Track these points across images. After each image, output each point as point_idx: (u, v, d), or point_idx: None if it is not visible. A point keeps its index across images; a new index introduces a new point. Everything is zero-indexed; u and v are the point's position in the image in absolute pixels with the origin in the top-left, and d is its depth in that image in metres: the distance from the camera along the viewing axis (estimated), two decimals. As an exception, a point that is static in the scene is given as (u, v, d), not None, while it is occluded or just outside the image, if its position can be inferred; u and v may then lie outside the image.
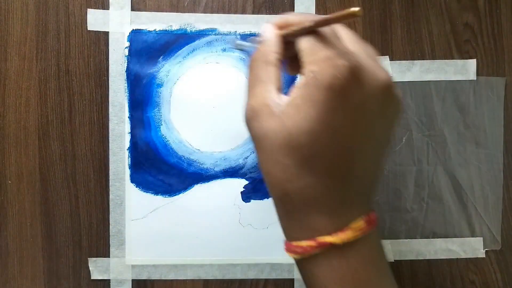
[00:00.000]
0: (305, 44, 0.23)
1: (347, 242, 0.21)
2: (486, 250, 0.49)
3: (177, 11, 0.47)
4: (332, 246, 0.21)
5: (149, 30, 0.46)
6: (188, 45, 0.47)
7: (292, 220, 0.23)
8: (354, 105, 0.20)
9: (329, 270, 0.22)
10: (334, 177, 0.21)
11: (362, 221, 0.22)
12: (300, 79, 0.22)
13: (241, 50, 0.45)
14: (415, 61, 0.48)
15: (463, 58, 0.48)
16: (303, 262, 0.23)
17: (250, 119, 0.23)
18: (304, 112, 0.21)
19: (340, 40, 0.23)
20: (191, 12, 0.47)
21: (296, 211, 0.23)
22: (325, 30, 0.22)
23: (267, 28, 0.26)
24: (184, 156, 0.47)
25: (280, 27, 0.26)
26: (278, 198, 0.23)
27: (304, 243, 0.22)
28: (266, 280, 0.48)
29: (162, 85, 0.47)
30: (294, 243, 0.23)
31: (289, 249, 0.24)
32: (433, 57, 0.48)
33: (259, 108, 0.23)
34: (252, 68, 0.25)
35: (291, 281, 0.48)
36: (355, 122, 0.21)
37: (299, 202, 0.22)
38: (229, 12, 0.47)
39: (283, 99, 0.22)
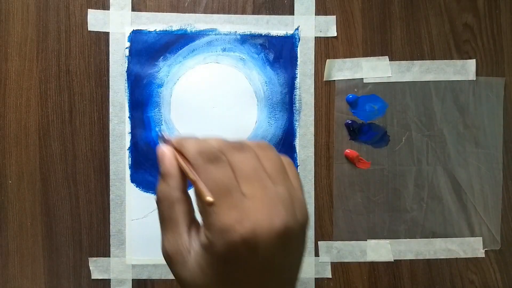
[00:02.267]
0: (199, 204, 0.23)
1: None
2: (485, 250, 0.49)
3: (177, 12, 0.47)
4: None
5: (149, 31, 0.46)
6: (188, 45, 0.47)
7: None
8: (253, 267, 0.21)
9: None
10: None
11: None
12: (201, 237, 0.22)
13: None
14: (415, 62, 0.48)
15: (462, 59, 0.48)
16: None
17: (168, 263, 0.24)
18: (208, 276, 0.22)
19: (235, 179, 0.22)
20: (191, 12, 0.47)
21: None
22: (219, 175, 0.22)
23: (166, 158, 0.25)
24: (184, 156, 0.47)
25: (178, 149, 0.25)
26: None
27: None
28: (266, 280, 0.48)
29: (162, 85, 0.47)
30: None
31: None
32: (433, 57, 0.48)
33: (173, 255, 0.23)
34: (159, 208, 0.25)
35: (291, 280, 0.48)
36: (259, 277, 0.22)
37: None
38: (229, 12, 0.47)
39: (192, 243, 0.23)
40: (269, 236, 0.21)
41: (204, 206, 0.22)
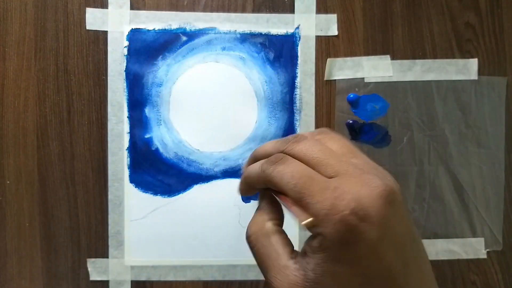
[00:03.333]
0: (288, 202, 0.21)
1: None
2: (487, 251, 0.48)
3: (177, 10, 0.46)
4: None
5: (148, 29, 0.46)
6: (188, 44, 0.46)
7: None
8: (374, 241, 0.19)
9: None
10: None
11: None
12: (312, 244, 0.20)
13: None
14: (416, 61, 0.47)
15: (464, 58, 0.48)
16: None
17: None
18: (339, 276, 0.20)
19: (312, 167, 0.21)
20: (191, 11, 0.47)
21: None
22: (293, 166, 0.21)
23: (260, 193, 0.25)
24: (183, 156, 0.47)
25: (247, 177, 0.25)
26: None
27: None
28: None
29: (161, 84, 0.46)
30: None
31: None
32: (435, 56, 0.48)
33: None
34: (253, 246, 0.23)
35: (291, 282, 0.48)
36: (388, 249, 0.20)
37: None
38: (228, 11, 0.47)
39: (305, 266, 0.21)
40: (375, 201, 0.19)
41: (299, 206, 0.20)
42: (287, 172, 0.21)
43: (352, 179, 0.20)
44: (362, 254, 0.19)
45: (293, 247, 0.23)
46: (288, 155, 0.22)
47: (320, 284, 0.20)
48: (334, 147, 0.22)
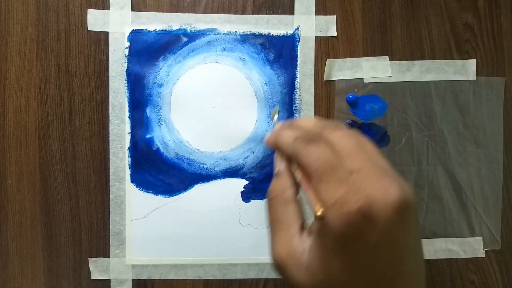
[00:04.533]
0: (304, 182, 0.22)
1: None
2: (486, 250, 0.49)
3: (177, 11, 0.47)
4: None
5: (149, 30, 0.46)
6: (188, 45, 0.47)
7: None
8: (374, 242, 0.20)
9: None
10: None
11: None
12: (313, 226, 0.21)
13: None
14: (415, 61, 0.48)
15: (463, 58, 0.48)
16: None
17: (279, 269, 0.23)
18: (329, 264, 0.20)
19: (338, 156, 0.21)
20: (191, 12, 0.47)
21: None
22: (321, 153, 0.21)
23: (278, 158, 0.25)
24: (184, 156, 0.47)
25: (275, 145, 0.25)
26: None
27: None
28: (266, 280, 0.48)
29: (162, 85, 0.47)
30: None
31: None
32: (433, 57, 0.48)
33: (286, 259, 0.22)
34: (270, 208, 0.24)
35: (291, 281, 0.48)
36: (381, 256, 0.20)
37: None
38: (229, 12, 0.47)
39: (305, 244, 0.22)
40: (385, 207, 0.19)
41: (314, 189, 0.21)
42: (315, 155, 0.21)
43: (372, 179, 0.20)
44: (356, 253, 0.20)
45: (304, 221, 0.23)
46: (324, 137, 0.22)
47: (311, 265, 0.21)
48: (367, 146, 0.23)
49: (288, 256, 0.22)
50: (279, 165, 0.25)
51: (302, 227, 0.23)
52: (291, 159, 0.24)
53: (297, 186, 0.24)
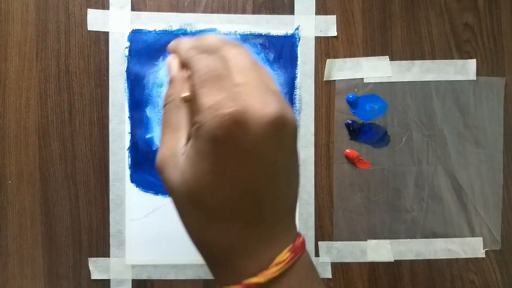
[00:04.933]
0: (191, 84, 0.22)
1: (274, 278, 0.21)
2: (486, 250, 0.49)
3: (177, 11, 0.47)
4: (258, 286, 0.21)
5: (149, 30, 0.46)
6: (188, 45, 0.47)
7: (218, 267, 0.24)
8: (244, 150, 0.20)
9: None
10: (245, 220, 0.21)
11: (288, 252, 0.22)
12: (192, 129, 0.22)
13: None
14: (415, 61, 0.48)
15: (463, 58, 0.48)
16: None
17: (160, 169, 0.23)
18: (198, 165, 0.21)
19: (228, 69, 0.21)
20: (191, 12, 0.47)
21: (218, 258, 0.23)
22: (211, 62, 0.22)
23: (172, 64, 0.26)
24: (184, 156, 0.47)
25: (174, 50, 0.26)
26: (198, 248, 0.24)
27: None
28: (266, 280, 0.48)
29: (162, 85, 0.47)
30: None
31: None
32: (433, 57, 0.48)
33: (167, 159, 0.22)
34: (164, 111, 0.24)
35: (291, 281, 0.48)
36: (250, 165, 0.20)
37: (217, 250, 0.22)
38: (229, 12, 0.47)
39: (187, 147, 0.22)
40: (261, 120, 0.20)
41: (194, 92, 0.21)
42: (204, 62, 0.22)
43: (255, 93, 0.20)
44: (224, 156, 0.20)
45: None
46: (221, 52, 0.22)
47: (184, 165, 0.21)
48: (261, 69, 0.23)
49: (170, 157, 0.22)
50: (172, 71, 0.25)
51: (190, 132, 0.23)
52: (184, 65, 0.25)
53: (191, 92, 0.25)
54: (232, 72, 0.21)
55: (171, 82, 0.25)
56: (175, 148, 0.22)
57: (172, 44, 0.27)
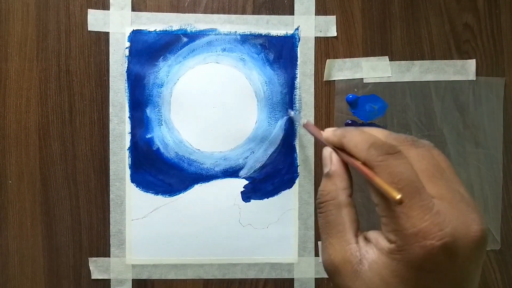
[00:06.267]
0: (381, 204, 0.21)
1: None
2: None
3: (177, 12, 0.47)
4: None
5: (149, 31, 0.46)
6: (188, 45, 0.47)
7: None
8: (448, 277, 0.19)
9: None
10: None
11: None
12: (381, 243, 0.20)
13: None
14: (415, 62, 0.48)
15: (462, 59, 0.48)
16: None
17: (332, 275, 0.22)
18: (391, 285, 0.20)
19: (417, 176, 0.20)
20: (191, 12, 0.47)
21: None
22: (404, 171, 0.20)
23: (332, 158, 0.24)
24: (184, 156, 0.47)
25: (339, 144, 0.24)
26: None
27: None
28: (266, 280, 0.48)
29: (162, 85, 0.47)
30: None
31: None
32: (433, 57, 0.48)
33: (341, 265, 0.21)
34: (322, 212, 0.23)
35: (291, 280, 0.48)
36: (454, 285, 0.20)
37: None
38: (229, 12, 0.47)
39: (364, 252, 0.21)
40: (468, 244, 0.19)
41: (388, 206, 0.20)
42: (398, 172, 0.20)
43: (454, 211, 0.19)
44: (427, 283, 0.19)
45: (359, 225, 0.23)
46: (402, 154, 0.21)
47: (371, 279, 0.20)
48: (446, 170, 0.22)
49: (343, 262, 0.21)
50: (331, 165, 0.24)
51: (357, 233, 0.22)
52: (346, 160, 0.23)
53: (351, 189, 0.23)
54: (423, 180, 0.20)
55: (329, 177, 0.24)
56: (346, 253, 0.21)
57: (334, 135, 0.24)
